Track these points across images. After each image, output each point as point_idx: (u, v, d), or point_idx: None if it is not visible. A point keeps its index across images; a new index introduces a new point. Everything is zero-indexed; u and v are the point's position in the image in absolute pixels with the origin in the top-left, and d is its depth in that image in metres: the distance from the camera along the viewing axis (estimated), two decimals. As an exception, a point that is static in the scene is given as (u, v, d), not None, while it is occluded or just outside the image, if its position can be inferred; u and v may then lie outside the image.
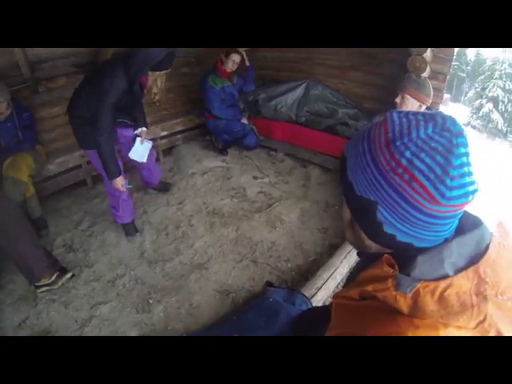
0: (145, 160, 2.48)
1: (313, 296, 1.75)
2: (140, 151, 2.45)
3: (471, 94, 26.83)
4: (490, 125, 22.06)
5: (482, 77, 23.83)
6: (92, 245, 2.37)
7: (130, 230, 2.44)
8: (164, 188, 2.95)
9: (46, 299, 1.95)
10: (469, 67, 30.01)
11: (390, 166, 0.50)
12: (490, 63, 23.58)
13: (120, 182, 2.09)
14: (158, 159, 3.25)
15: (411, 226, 0.52)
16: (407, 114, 0.53)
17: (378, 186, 0.52)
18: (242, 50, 3.23)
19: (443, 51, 2.49)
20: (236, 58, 3.16)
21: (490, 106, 21.98)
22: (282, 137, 3.39)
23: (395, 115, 0.53)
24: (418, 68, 2.48)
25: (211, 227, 2.49)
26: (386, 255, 0.56)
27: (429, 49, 2.36)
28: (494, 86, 21.99)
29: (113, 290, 2.02)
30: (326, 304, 1.84)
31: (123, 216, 2.37)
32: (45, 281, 1.91)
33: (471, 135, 20.48)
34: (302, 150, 3.30)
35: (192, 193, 2.91)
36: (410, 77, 2.04)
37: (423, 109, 2.07)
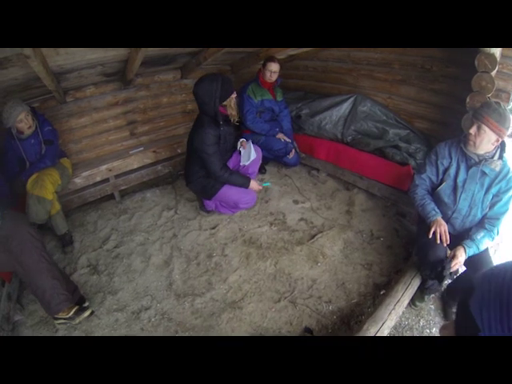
0: (254, 156, 2.67)
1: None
2: (247, 154, 2.67)
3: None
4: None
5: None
6: (117, 268, 2.23)
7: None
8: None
9: (67, 325, 1.85)
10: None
11: None
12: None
13: (254, 184, 2.54)
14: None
15: None
16: None
17: None
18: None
19: (507, 66, 2.17)
20: (273, 67, 2.92)
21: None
22: (325, 156, 3.10)
23: None
24: (484, 87, 2.16)
25: (247, 259, 2.26)
26: None
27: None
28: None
29: (137, 323, 1.87)
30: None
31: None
32: (63, 315, 1.79)
33: None
34: (347, 172, 3.00)
35: (227, 217, 2.68)
36: (490, 105, 1.68)
37: (499, 143, 1.73)
